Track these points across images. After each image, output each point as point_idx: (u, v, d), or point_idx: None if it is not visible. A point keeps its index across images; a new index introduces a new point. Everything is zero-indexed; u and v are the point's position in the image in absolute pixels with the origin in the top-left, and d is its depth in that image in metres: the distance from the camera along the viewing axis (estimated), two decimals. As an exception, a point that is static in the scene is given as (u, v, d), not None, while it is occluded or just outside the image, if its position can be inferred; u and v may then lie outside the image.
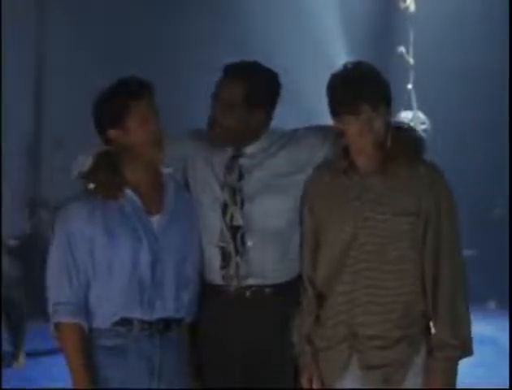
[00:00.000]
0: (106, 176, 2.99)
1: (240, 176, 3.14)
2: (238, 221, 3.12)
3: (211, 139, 3.17)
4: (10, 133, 9.89)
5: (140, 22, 10.41)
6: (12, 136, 9.97)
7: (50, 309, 2.97)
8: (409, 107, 9.85)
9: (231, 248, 3.11)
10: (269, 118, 3.20)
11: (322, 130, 3.23)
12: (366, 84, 2.95)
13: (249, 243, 3.12)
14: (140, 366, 2.96)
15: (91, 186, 2.98)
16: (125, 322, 2.96)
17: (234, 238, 3.12)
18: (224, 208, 3.13)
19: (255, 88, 3.12)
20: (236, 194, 3.13)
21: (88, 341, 2.95)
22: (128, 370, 2.95)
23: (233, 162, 3.16)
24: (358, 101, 2.94)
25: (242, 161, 3.16)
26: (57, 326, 2.96)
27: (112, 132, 2.98)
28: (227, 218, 3.12)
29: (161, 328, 2.98)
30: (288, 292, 3.14)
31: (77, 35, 10.20)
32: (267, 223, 3.13)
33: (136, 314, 2.95)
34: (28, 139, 10.78)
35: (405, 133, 3.07)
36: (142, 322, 2.96)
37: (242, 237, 3.12)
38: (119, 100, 2.96)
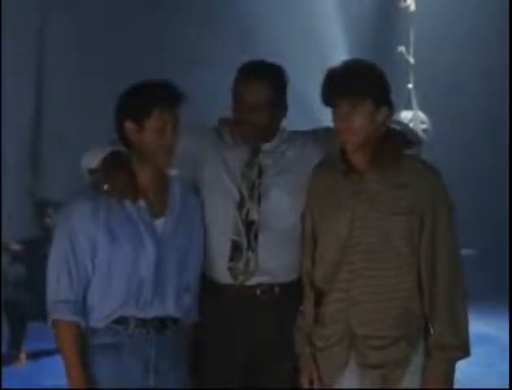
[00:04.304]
0: (124, 177, 2.98)
1: (260, 172, 3.17)
2: (254, 216, 3.15)
3: (241, 137, 3.21)
4: (11, 133, 9.88)
5: (140, 22, 10.40)
6: (12, 135, 9.96)
7: (49, 304, 2.97)
8: (409, 107, 9.84)
9: (243, 242, 3.13)
10: (285, 115, 3.27)
11: (322, 131, 3.26)
12: (347, 79, 2.92)
13: (262, 240, 3.13)
14: (134, 363, 2.96)
15: (106, 187, 2.97)
16: (122, 320, 2.96)
17: (248, 233, 3.13)
18: (241, 202, 3.15)
19: (279, 87, 3.21)
20: (254, 189, 3.16)
21: (84, 339, 2.95)
22: (123, 367, 2.95)
23: (253, 158, 3.20)
24: (335, 96, 2.93)
25: (261, 157, 3.20)
26: (54, 322, 2.96)
27: (129, 124, 2.97)
28: (244, 212, 3.14)
29: (157, 326, 2.98)
30: (296, 291, 3.15)
31: (77, 35, 10.19)
32: (281, 220, 3.17)
33: (132, 311, 2.95)
34: (28, 138, 10.77)
35: (398, 133, 3.06)
36: (138, 319, 2.96)
37: (256, 233, 3.13)
38: (147, 98, 2.95)
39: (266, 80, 3.18)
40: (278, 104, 3.20)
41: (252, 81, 3.17)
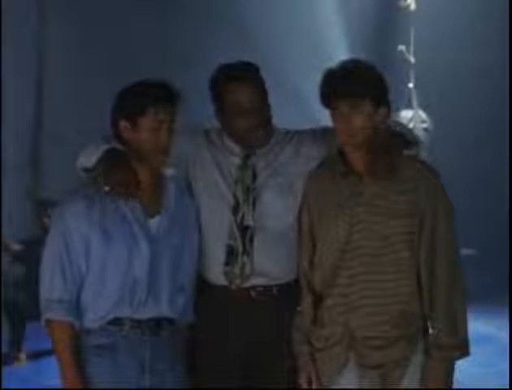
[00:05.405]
0: (123, 175, 2.97)
1: (254, 176, 3.16)
2: (249, 221, 3.13)
3: (236, 140, 3.20)
4: (11, 133, 9.88)
5: (140, 22, 10.40)
6: (12, 135, 9.96)
7: (42, 304, 2.96)
8: (409, 106, 9.84)
9: (239, 247, 3.12)
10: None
11: (321, 131, 3.25)
12: (346, 80, 2.92)
13: (257, 243, 3.13)
14: (129, 364, 2.95)
15: (106, 187, 2.96)
16: (116, 321, 2.95)
17: (243, 237, 3.12)
18: (236, 207, 3.14)
19: (264, 86, 3.19)
20: (249, 193, 3.14)
21: (78, 339, 2.94)
22: (118, 368, 2.94)
23: (247, 161, 3.19)
24: (335, 96, 2.92)
25: (255, 160, 3.18)
26: (48, 322, 2.95)
27: (123, 123, 2.97)
28: (239, 217, 3.13)
29: (152, 327, 2.97)
30: (294, 291, 3.15)
31: (77, 35, 10.20)
32: (276, 222, 3.16)
33: (127, 312, 2.94)
34: (28, 138, 10.78)
35: (397, 134, 3.05)
36: (133, 320, 2.95)
37: (251, 237, 3.13)
38: (142, 98, 2.95)
39: (254, 80, 3.17)
40: (267, 103, 3.20)
41: (243, 84, 3.15)
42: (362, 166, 3.01)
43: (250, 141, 3.18)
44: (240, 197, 3.15)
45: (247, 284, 3.14)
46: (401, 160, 3.01)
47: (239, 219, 3.14)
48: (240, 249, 3.13)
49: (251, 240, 3.14)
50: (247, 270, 3.13)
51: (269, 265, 3.15)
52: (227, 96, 3.15)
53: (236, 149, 3.21)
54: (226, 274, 3.14)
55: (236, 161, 3.20)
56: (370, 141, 2.97)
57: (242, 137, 3.18)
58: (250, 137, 3.17)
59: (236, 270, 3.13)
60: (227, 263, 3.14)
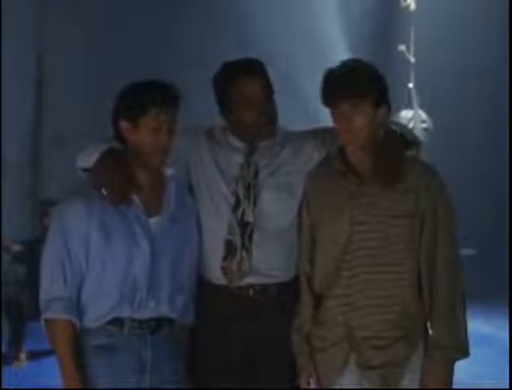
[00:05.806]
0: (120, 182, 2.96)
1: (256, 173, 3.16)
2: (249, 217, 3.13)
3: (243, 136, 3.20)
4: (11, 133, 9.89)
5: (140, 22, 10.41)
6: (12, 135, 9.97)
7: (42, 303, 2.94)
8: (409, 106, 9.86)
9: (237, 242, 3.12)
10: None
11: (322, 131, 3.25)
12: (347, 79, 2.92)
13: (256, 240, 3.12)
14: (130, 364, 2.94)
15: (103, 191, 2.95)
16: (117, 321, 2.94)
17: (242, 233, 3.12)
18: (236, 204, 3.14)
19: (269, 79, 3.20)
20: (250, 190, 3.14)
21: (78, 339, 2.93)
22: (118, 368, 2.92)
23: (249, 158, 3.19)
24: (336, 96, 2.93)
25: (257, 157, 3.19)
26: (48, 321, 2.94)
27: (124, 124, 2.97)
28: (239, 213, 3.13)
29: (152, 327, 2.97)
30: (293, 291, 3.14)
31: (78, 35, 10.21)
32: (276, 221, 3.16)
33: (127, 312, 2.93)
34: (28, 138, 10.79)
35: (396, 134, 3.05)
36: (133, 320, 2.95)
37: (251, 234, 3.12)
38: (142, 98, 2.94)
39: (260, 74, 3.19)
40: (272, 98, 3.20)
41: (249, 77, 3.15)
42: (363, 166, 3.01)
43: (255, 136, 3.18)
44: (241, 194, 3.15)
45: (245, 283, 3.14)
46: (405, 163, 3.01)
47: (239, 215, 3.14)
48: (239, 244, 3.13)
49: (250, 237, 3.13)
50: (245, 266, 3.12)
51: (267, 263, 3.14)
52: (233, 90, 3.15)
53: (240, 145, 3.22)
54: (224, 270, 3.13)
55: (239, 159, 3.20)
56: (373, 143, 2.97)
57: (248, 131, 3.18)
58: (256, 131, 3.17)
59: (234, 265, 3.12)
60: (225, 258, 3.13)
